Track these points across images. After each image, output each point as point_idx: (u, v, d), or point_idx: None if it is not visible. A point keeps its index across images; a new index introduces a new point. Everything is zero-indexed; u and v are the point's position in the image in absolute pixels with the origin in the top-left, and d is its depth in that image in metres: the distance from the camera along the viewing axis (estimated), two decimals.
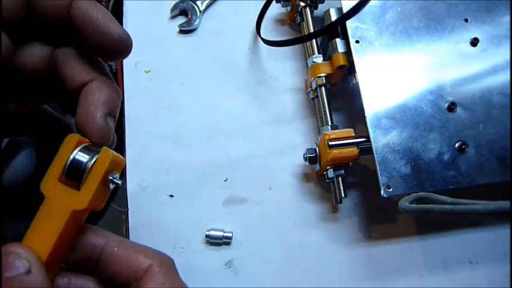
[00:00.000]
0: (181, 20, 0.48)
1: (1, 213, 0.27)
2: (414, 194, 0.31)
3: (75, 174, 0.22)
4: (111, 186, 0.23)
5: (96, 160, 0.22)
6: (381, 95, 0.37)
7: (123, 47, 0.25)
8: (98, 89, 0.24)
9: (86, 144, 0.23)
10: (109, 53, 0.25)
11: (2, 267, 0.20)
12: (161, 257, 0.25)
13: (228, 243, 0.39)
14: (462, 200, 0.27)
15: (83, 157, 0.22)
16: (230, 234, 0.39)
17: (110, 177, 0.23)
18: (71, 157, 0.22)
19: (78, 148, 0.23)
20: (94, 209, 0.23)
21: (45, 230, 0.22)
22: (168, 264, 0.25)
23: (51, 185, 0.22)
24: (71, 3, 0.23)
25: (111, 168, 0.23)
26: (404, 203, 0.30)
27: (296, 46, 0.47)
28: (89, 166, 0.22)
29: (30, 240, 0.22)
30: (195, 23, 0.48)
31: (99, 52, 0.25)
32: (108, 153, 0.23)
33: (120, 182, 0.23)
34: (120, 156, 0.24)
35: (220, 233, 0.39)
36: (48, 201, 0.22)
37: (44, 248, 0.22)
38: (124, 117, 0.44)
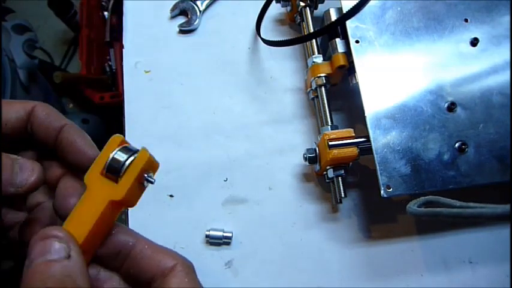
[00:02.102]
0: (181, 20, 0.48)
1: (0, 211, 0.27)
2: (422, 198, 0.31)
3: (115, 169, 0.25)
4: (146, 184, 0.26)
5: (134, 158, 0.25)
6: (381, 95, 0.37)
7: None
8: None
9: (126, 145, 0.26)
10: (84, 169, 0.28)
11: (42, 250, 0.21)
12: (184, 260, 0.27)
13: (228, 243, 0.39)
14: (470, 204, 0.27)
15: (122, 156, 0.25)
16: (230, 234, 0.39)
17: (145, 175, 0.25)
18: (112, 154, 0.25)
19: (119, 147, 0.25)
20: (129, 204, 0.26)
21: (83, 216, 0.24)
22: (189, 266, 0.27)
23: (93, 177, 0.25)
24: (61, 129, 0.27)
25: (146, 168, 0.25)
26: (413, 206, 0.30)
27: (296, 46, 0.47)
28: (128, 163, 0.25)
29: (68, 225, 0.24)
30: (195, 23, 0.48)
31: (76, 168, 0.28)
32: (146, 153, 0.25)
33: (154, 180, 0.26)
34: (156, 159, 0.26)
35: (220, 233, 0.39)
36: (89, 191, 0.24)
37: (81, 233, 0.23)
38: (124, 117, 0.44)
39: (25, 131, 0.27)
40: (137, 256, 0.26)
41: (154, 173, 0.27)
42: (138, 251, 0.26)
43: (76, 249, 0.22)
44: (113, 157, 0.25)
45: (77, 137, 0.27)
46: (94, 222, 0.23)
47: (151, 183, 0.26)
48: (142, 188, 0.26)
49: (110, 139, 0.26)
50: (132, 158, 0.25)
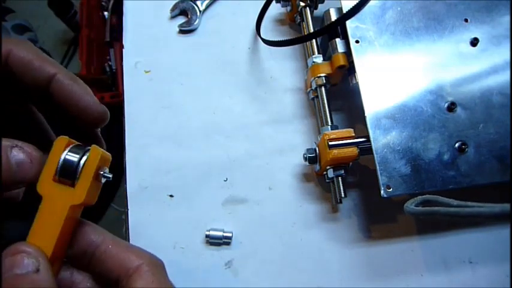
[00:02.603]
0: (181, 20, 0.48)
1: (1, 213, 0.27)
2: (420, 197, 0.31)
3: (68, 172, 0.23)
4: (103, 180, 0.25)
5: (87, 158, 0.24)
6: (381, 95, 0.37)
7: (101, 121, 0.28)
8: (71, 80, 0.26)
9: (74, 144, 0.25)
10: (86, 125, 0.27)
11: (12, 264, 0.21)
12: (151, 258, 0.26)
13: (228, 243, 0.39)
14: (468, 203, 0.27)
15: (74, 156, 0.24)
16: (230, 234, 0.39)
17: (101, 172, 0.25)
18: (63, 157, 0.24)
19: (68, 148, 0.24)
20: (89, 203, 0.24)
21: (47, 227, 0.23)
22: (157, 265, 0.26)
23: (46, 185, 0.23)
24: (52, 78, 0.26)
25: (101, 164, 0.24)
26: (410, 205, 0.30)
27: (296, 46, 0.47)
28: (82, 163, 0.24)
29: (33, 239, 0.23)
30: (195, 23, 0.48)
31: (78, 123, 0.27)
32: (97, 150, 0.24)
33: (110, 176, 0.25)
34: (107, 152, 0.26)
35: (220, 233, 0.39)
36: (45, 200, 0.23)
37: (48, 245, 0.23)
38: (124, 117, 0.44)
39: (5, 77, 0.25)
40: (102, 255, 0.25)
41: (107, 167, 0.26)
42: (102, 250, 0.25)
43: (44, 263, 0.22)
44: (64, 160, 0.23)
45: (74, 88, 0.26)
46: (59, 232, 0.23)
47: (108, 179, 0.25)
48: (99, 185, 0.25)
49: (55, 141, 0.24)
50: (84, 157, 0.24)
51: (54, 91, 0.26)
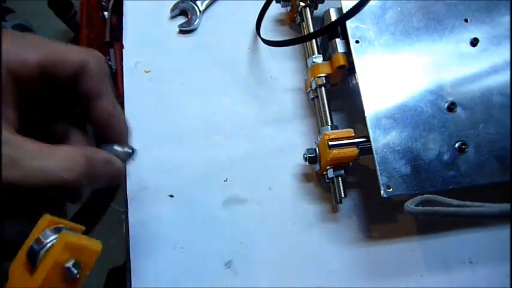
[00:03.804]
0: (181, 20, 0.48)
1: (1, 213, 0.27)
2: (419, 197, 0.31)
3: (32, 258, 0.22)
4: (70, 274, 0.21)
5: (51, 246, 0.21)
6: (380, 95, 0.37)
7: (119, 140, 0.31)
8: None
9: (55, 226, 0.22)
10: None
11: None
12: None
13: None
14: (468, 203, 0.27)
15: (40, 241, 0.22)
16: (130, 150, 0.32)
17: (67, 266, 0.21)
18: (31, 242, 0.22)
19: (43, 231, 0.22)
20: None
21: None
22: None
23: (15, 266, 0.22)
24: (93, 103, 0.28)
25: (68, 256, 0.21)
26: (410, 205, 0.30)
27: (296, 46, 0.47)
28: (43, 251, 0.21)
29: None
30: (195, 23, 0.48)
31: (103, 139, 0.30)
32: (63, 238, 0.21)
33: (76, 272, 0.21)
34: (91, 241, 0.22)
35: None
36: (10, 283, 0.22)
37: None
38: None
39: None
40: None
41: (89, 261, 0.22)
42: None
43: None
44: (30, 245, 0.21)
45: (115, 121, 0.29)
46: None
47: (74, 276, 0.21)
48: (75, 280, 0.22)
49: (39, 220, 0.22)
50: (49, 244, 0.21)
51: (94, 118, 0.28)
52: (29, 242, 0.22)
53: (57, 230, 0.22)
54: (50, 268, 0.21)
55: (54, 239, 0.22)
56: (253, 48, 0.47)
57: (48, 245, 0.21)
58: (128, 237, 0.39)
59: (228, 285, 0.38)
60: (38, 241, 0.21)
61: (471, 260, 0.39)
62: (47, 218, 0.22)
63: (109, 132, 0.29)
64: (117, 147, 0.29)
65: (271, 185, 0.41)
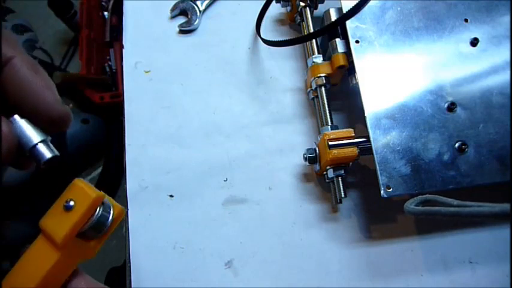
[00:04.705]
0: (181, 20, 0.48)
1: (1, 213, 0.27)
2: (420, 196, 0.31)
3: (97, 229, 0.24)
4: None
5: (113, 215, 0.25)
6: (380, 95, 0.37)
7: (59, 125, 0.23)
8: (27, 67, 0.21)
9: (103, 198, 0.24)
10: (43, 125, 0.22)
11: None
12: None
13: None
14: (468, 203, 0.27)
15: (106, 212, 0.24)
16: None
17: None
18: (99, 213, 0.24)
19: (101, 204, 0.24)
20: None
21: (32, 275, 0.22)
22: None
23: (69, 239, 0.23)
24: (7, 63, 0.20)
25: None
26: (410, 205, 0.30)
27: (296, 46, 0.47)
28: (109, 221, 0.25)
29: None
30: (195, 23, 0.48)
31: (31, 120, 0.22)
32: (119, 207, 0.25)
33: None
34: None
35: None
36: (57, 253, 0.23)
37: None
38: (124, 117, 0.44)
39: None
40: None
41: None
42: None
43: None
44: (100, 216, 0.24)
45: (33, 83, 0.21)
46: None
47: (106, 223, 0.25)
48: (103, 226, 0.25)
49: (92, 195, 0.23)
50: (111, 214, 0.24)
51: (6, 79, 0.21)
52: (87, 214, 0.23)
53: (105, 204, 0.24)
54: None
55: (108, 206, 0.24)
56: (253, 48, 0.47)
57: (111, 214, 0.24)
58: (128, 237, 0.39)
59: (228, 285, 0.38)
60: (105, 212, 0.24)
61: (471, 260, 0.39)
62: (101, 196, 0.24)
63: (22, 103, 0.21)
64: (28, 131, 0.22)
65: (271, 185, 0.41)
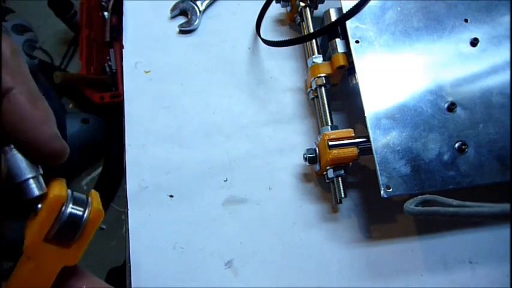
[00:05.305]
0: (181, 20, 0.48)
1: (1, 213, 0.27)
2: (420, 197, 0.31)
3: (68, 231, 0.22)
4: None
5: (88, 213, 0.22)
6: (380, 95, 0.37)
7: (54, 160, 0.22)
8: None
9: (72, 194, 0.22)
10: (37, 160, 0.21)
11: None
12: None
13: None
14: (468, 203, 0.27)
15: (78, 210, 0.22)
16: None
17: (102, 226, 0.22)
18: (68, 211, 0.22)
19: (68, 200, 0.22)
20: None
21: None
22: None
23: (38, 245, 0.21)
24: (6, 93, 0.19)
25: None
26: (410, 205, 0.30)
27: (296, 46, 0.47)
28: (84, 220, 0.22)
29: None
30: (195, 23, 0.48)
31: (26, 153, 0.21)
32: (98, 205, 0.22)
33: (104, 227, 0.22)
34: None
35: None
36: (31, 262, 0.21)
37: None
38: (124, 117, 0.44)
39: None
40: None
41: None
42: None
43: None
44: (69, 215, 0.21)
45: (33, 114, 0.20)
46: None
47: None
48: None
49: (51, 191, 0.21)
50: (86, 212, 0.22)
51: (3, 112, 0.20)
52: (51, 215, 0.21)
53: (78, 199, 0.22)
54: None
55: (86, 204, 0.22)
56: (253, 48, 0.47)
57: (86, 212, 0.22)
58: (127, 237, 0.39)
59: (228, 285, 0.38)
60: (76, 209, 0.21)
61: (471, 260, 0.39)
62: (64, 189, 0.22)
63: (18, 138, 0.20)
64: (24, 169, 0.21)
65: (271, 185, 0.41)
